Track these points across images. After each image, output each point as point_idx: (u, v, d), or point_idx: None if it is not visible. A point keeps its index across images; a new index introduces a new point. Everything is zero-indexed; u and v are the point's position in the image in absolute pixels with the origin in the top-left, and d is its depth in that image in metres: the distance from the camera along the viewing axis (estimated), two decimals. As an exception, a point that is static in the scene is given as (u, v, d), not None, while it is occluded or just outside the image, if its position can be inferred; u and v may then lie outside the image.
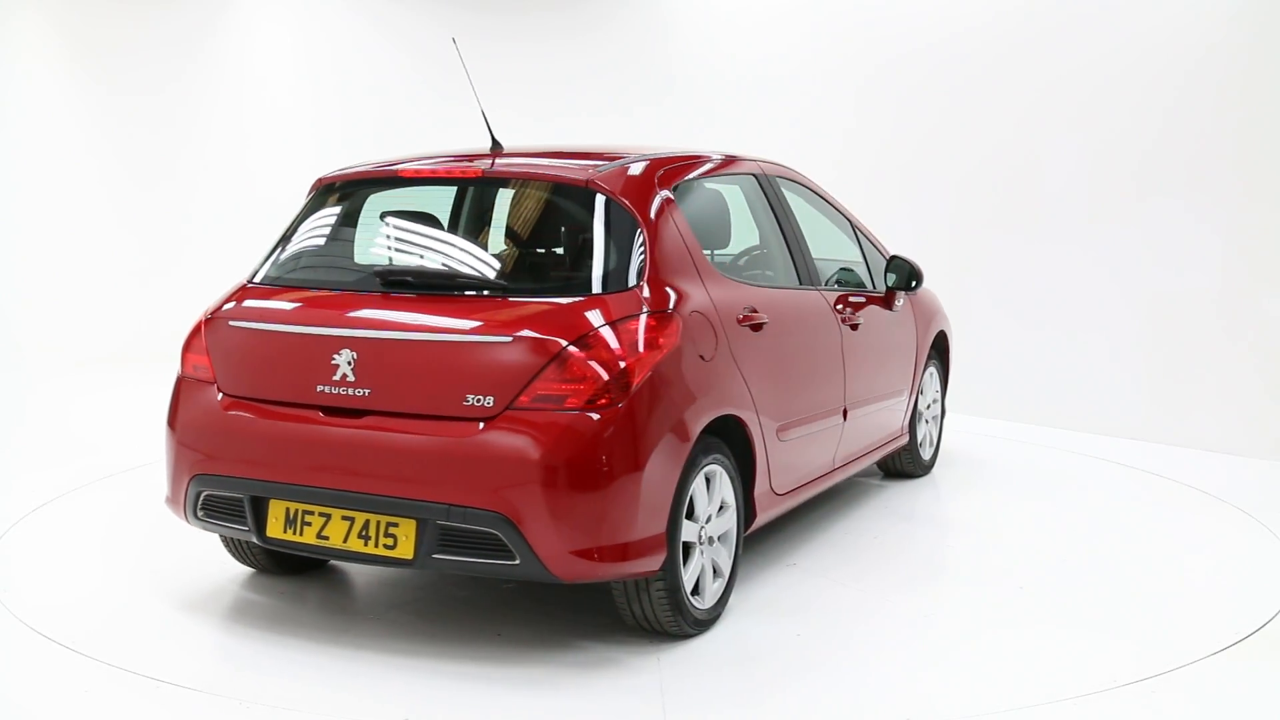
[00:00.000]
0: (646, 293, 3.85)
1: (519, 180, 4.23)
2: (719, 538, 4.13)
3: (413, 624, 4.14)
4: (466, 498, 3.59)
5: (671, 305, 3.90)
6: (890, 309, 5.60)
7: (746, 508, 4.33)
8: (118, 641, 4.02)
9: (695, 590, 4.01)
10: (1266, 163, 6.79)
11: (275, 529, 3.88)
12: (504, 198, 4.37)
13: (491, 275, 4.05)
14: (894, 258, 5.57)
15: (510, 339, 3.66)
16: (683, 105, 9.27)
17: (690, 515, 3.95)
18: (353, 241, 4.34)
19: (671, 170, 4.32)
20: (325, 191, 4.43)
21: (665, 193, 4.17)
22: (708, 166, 4.65)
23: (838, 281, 5.38)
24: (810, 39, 8.68)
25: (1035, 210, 7.73)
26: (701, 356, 3.96)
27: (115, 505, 5.53)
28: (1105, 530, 5.42)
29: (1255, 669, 3.88)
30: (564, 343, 3.63)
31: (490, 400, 3.62)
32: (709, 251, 4.40)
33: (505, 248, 4.25)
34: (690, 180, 4.44)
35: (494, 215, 4.26)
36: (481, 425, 3.62)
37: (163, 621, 4.21)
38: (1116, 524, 5.51)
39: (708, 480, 4.03)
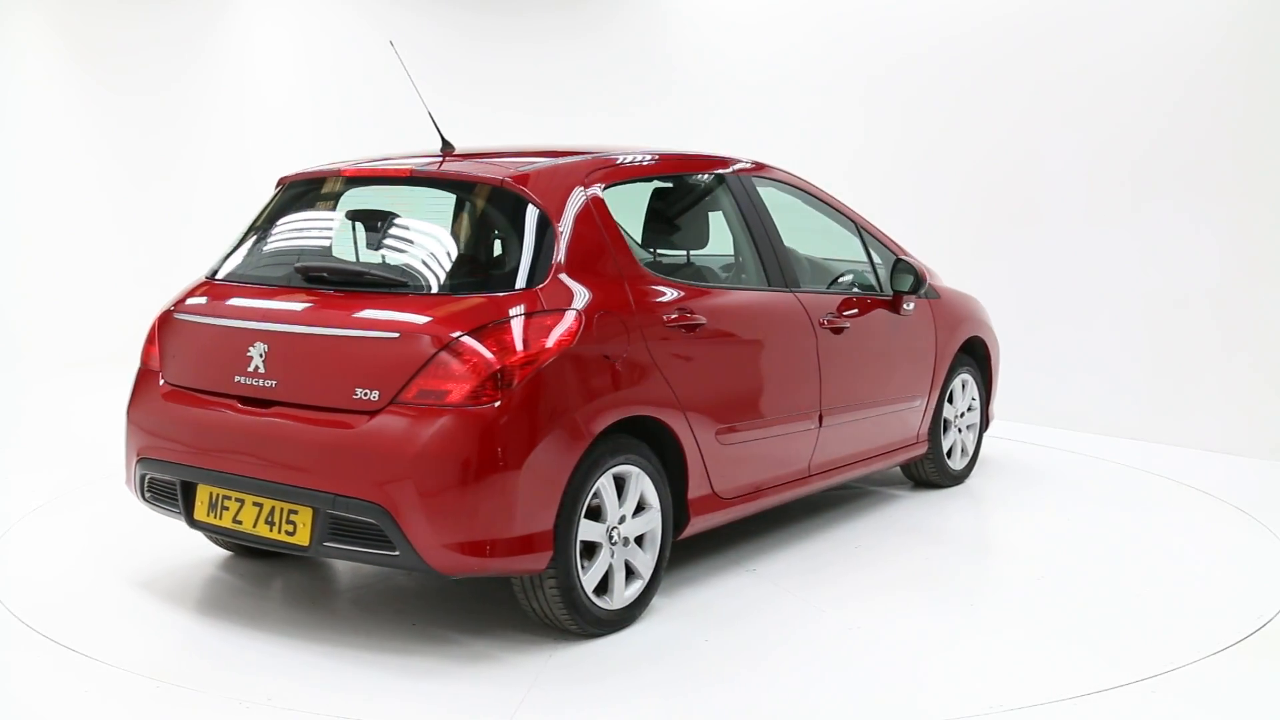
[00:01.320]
0: (548, 291, 3.90)
1: (441, 180, 4.34)
2: (637, 539, 4.13)
3: (350, 612, 4.20)
4: (350, 488, 3.71)
5: (575, 304, 3.92)
6: (897, 312, 5.45)
7: (680, 511, 4.32)
8: (117, 641, 4.02)
9: (602, 590, 4.02)
10: (1266, 163, 6.78)
11: (201, 512, 4.08)
12: (427, 197, 4.44)
13: (399, 273, 4.08)
14: (898, 260, 5.45)
15: (397, 335, 3.77)
16: (684, 106, 9.26)
17: (598, 515, 3.97)
18: (293, 238, 4.47)
19: (608, 171, 4.37)
20: (284, 190, 4.57)
21: (592, 192, 4.21)
22: (653, 166, 4.68)
23: (836, 284, 5.32)
24: (811, 40, 8.67)
25: (1034, 210, 7.72)
26: (606, 356, 3.96)
27: (115, 505, 5.52)
28: (1105, 530, 5.42)
29: (1255, 669, 3.88)
30: (447, 339, 3.71)
31: (376, 394, 3.73)
32: (673, 252, 4.47)
33: (419, 246, 4.27)
34: (631, 181, 4.51)
35: (417, 214, 4.33)
36: (367, 418, 3.73)
37: (162, 621, 4.21)
38: (1116, 524, 5.51)
39: (620, 480, 4.04)
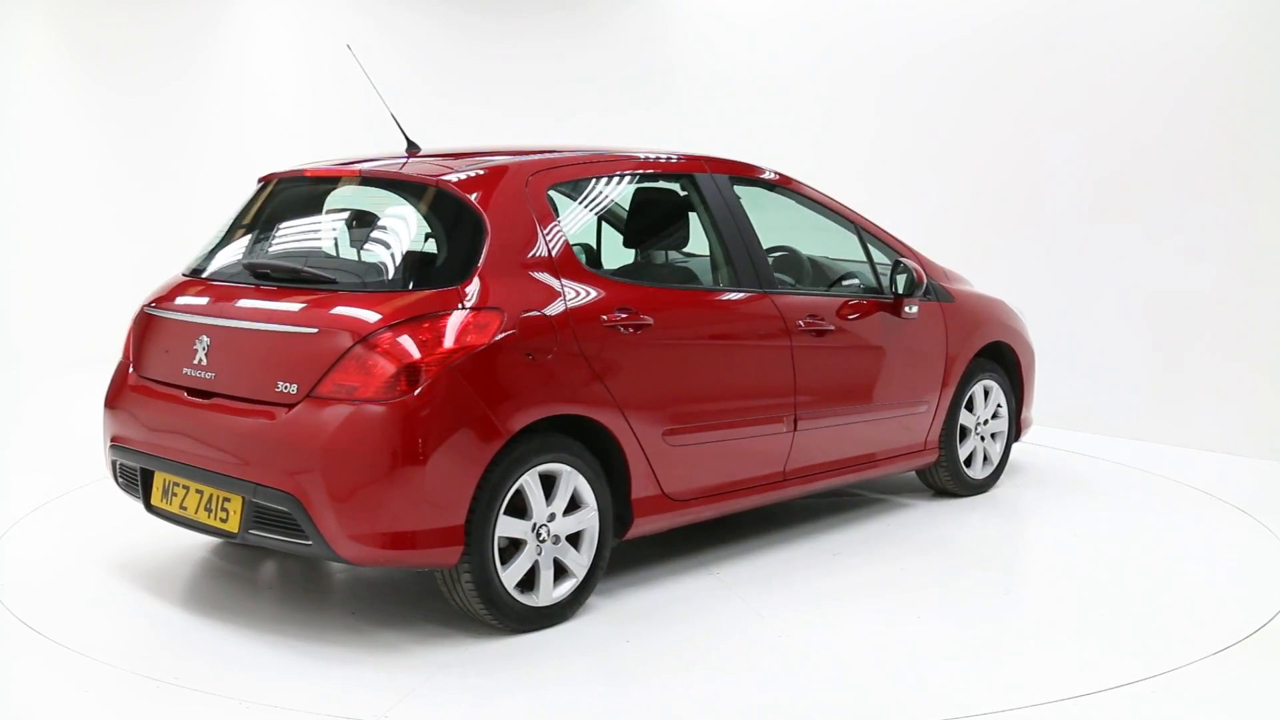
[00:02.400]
0: (470, 289, 3.94)
1: (385, 181, 4.43)
2: (569, 537, 4.14)
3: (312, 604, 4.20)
4: (268, 478, 3.84)
5: (497, 303, 3.96)
6: (898, 315, 5.33)
7: (625, 511, 4.32)
8: (118, 641, 4.02)
9: (528, 587, 4.04)
10: (1267, 163, 6.78)
11: (156, 498, 4.29)
12: (376, 198, 4.49)
13: (333, 270, 4.18)
14: (896, 262, 5.32)
15: (316, 330, 3.88)
16: (686, 107, 9.26)
17: (523, 512, 4.00)
18: (255, 236, 4.56)
19: (556, 171, 4.41)
20: (260, 188, 4.70)
21: (535, 193, 4.25)
22: (608, 165, 4.69)
23: (839, 285, 5.25)
24: (812, 40, 8.67)
25: (1034, 211, 7.73)
26: (529, 355, 3.98)
27: (115, 505, 5.52)
28: (1104, 530, 5.42)
29: (1255, 669, 3.88)
30: (361, 335, 3.81)
31: (295, 387, 3.86)
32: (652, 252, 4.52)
33: (357, 244, 4.34)
34: (583, 181, 4.54)
35: (362, 213, 4.41)
36: (286, 410, 3.85)
37: (162, 621, 4.21)
38: (1116, 524, 5.51)
39: (549, 479, 4.06)
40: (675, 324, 4.47)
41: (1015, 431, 6.11)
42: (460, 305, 3.91)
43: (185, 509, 4.14)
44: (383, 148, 5.04)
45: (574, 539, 4.17)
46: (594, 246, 5.13)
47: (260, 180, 4.74)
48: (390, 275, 4.08)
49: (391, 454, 3.72)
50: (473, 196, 4.12)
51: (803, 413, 4.91)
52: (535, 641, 4.02)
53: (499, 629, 4.04)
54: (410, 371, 3.76)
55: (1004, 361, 6.01)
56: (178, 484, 4.17)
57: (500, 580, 3.95)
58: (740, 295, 4.77)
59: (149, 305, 4.54)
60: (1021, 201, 7.78)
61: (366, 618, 4.22)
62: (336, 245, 4.37)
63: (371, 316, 3.84)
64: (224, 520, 3.99)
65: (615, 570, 4.65)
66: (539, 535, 4.04)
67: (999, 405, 5.96)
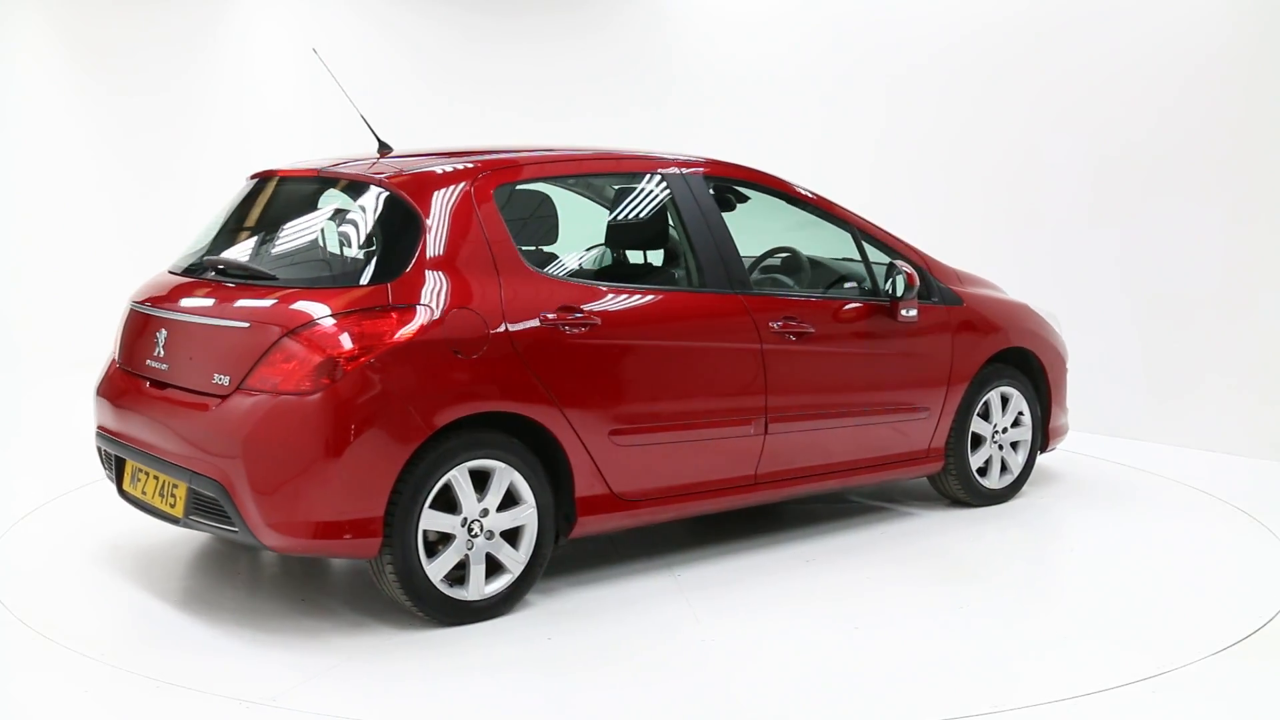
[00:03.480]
0: (399, 286, 4.03)
1: (335, 180, 4.52)
2: (509, 534, 4.18)
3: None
4: (202, 467, 4.00)
5: (426, 300, 4.03)
6: (895, 318, 5.19)
7: (570, 509, 4.35)
8: (118, 641, 4.03)
9: (457, 580, 4.10)
10: (1267, 163, 6.78)
11: (126, 483, 4.48)
12: (329, 196, 4.57)
13: (272, 266, 4.31)
14: (890, 264, 5.19)
15: (248, 325, 4.03)
16: (687, 107, 9.26)
17: (453, 507, 4.06)
18: (227, 232, 4.68)
19: (505, 171, 4.47)
20: (245, 186, 4.82)
21: (479, 192, 4.31)
22: (565, 165, 4.74)
23: (837, 287, 5.18)
24: (813, 41, 8.67)
25: (1035, 211, 7.72)
26: (456, 352, 4.03)
27: (114, 505, 5.51)
28: (1104, 530, 5.42)
29: (1255, 669, 3.88)
30: (287, 330, 3.93)
31: (228, 379, 4.01)
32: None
33: (298, 241, 4.45)
34: (534, 181, 4.60)
35: (314, 212, 4.51)
36: (219, 402, 4.00)
37: (162, 621, 4.21)
38: (1116, 524, 5.51)
39: (482, 475, 4.11)
40: (624, 324, 4.45)
41: (1043, 441, 5.88)
42: (387, 302, 4.00)
43: (145, 494, 4.32)
44: (374, 148, 5.05)
45: (514, 535, 4.21)
46: (549, 247, 5.07)
47: (249, 177, 4.87)
48: (327, 272, 4.23)
49: (308, 446, 3.84)
50: (412, 196, 4.21)
51: (776, 416, 4.84)
52: (457, 634, 4.07)
53: (428, 621, 4.10)
54: (329, 365, 3.86)
55: (1029, 368, 5.80)
56: (140, 470, 4.35)
57: (425, 573, 4.01)
58: (703, 295, 4.73)
59: (133, 299, 4.69)
60: (1022, 202, 7.78)
61: (369, 611, 4.23)
62: (287, 242, 4.49)
63: (298, 312, 3.98)
64: (172, 506, 4.16)
65: (572, 568, 4.68)
66: (470, 530, 4.10)
67: (1021, 413, 5.73)
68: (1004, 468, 5.74)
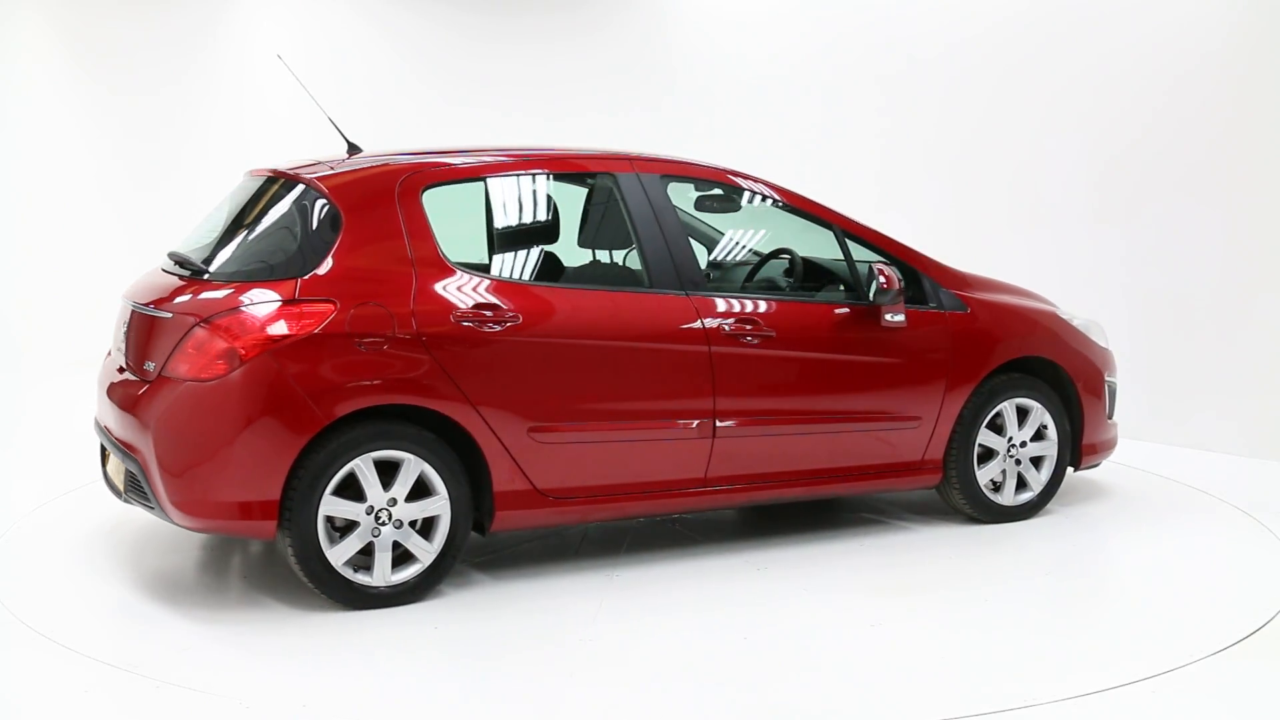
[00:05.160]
0: (308, 282, 4.23)
1: (282, 179, 4.68)
2: (412, 523, 4.30)
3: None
4: (130, 448, 4.29)
5: (333, 295, 4.21)
6: (878, 322, 5.02)
7: (489, 503, 4.43)
8: (118, 641, 4.03)
9: (363, 567, 4.26)
10: (1268, 164, 6.78)
11: (106, 467, 4.77)
12: (276, 194, 4.67)
13: (205, 260, 4.50)
14: (870, 267, 4.99)
15: (171, 315, 4.29)
16: (687, 107, 9.26)
17: (360, 495, 4.21)
18: (198, 228, 4.90)
19: (435, 171, 4.56)
20: (233, 185, 5.01)
21: (405, 192, 4.44)
22: (501, 165, 4.76)
23: (826, 288, 5.08)
24: (813, 40, 8.67)
25: (1035, 211, 7.72)
26: (360, 346, 4.18)
27: (115, 505, 5.52)
28: (1104, 530, 5.42)
29: (1255, 669, 3.88)
30: (197, 320, 4.18)
31: (153, 366, 4.29)
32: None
33: (234, 237, 4.58)
34: (466, 181, 4.66)
35: (255, 209, 4.66)
36: (145, 387, 4.28)
37: (162, 621, 4.21)
38: (1116, 523, 5.51)
39: (388, 466, 4.24)
40: (548, 323, 4.48)
41: (1075, 458, 5.58)
42: (293, 295, 4.19)
43: (111, 474, 4.66)
44: (378, 147, 5.05)
45: (428, 526, 4.33)
46: (484, 246, 5.02)
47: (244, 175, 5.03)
48: (249, 266, 4.37)
49: (208, 430, 4.10)
50: (334, 195, 4.41)
51: (724, 418, 4.77)
52: (351, 618, 4.18)
53: (333, 604, 4.25)
54: (228, 355, 4.09)
55: (1058, 380, 5.53)
56: (107, 452, 4.67)
57: (324, 557, 4.17)
58: (642, 295, 4.70)
59: (122, 293, 4.90)
60: (1022, 202, 7.78)
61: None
62: (228, 238, 4.60)
63: (210, 302, 4.23)
64: (120, 484, 4.51)
65: (516, 563, 4.75)
66: (377, 519, 4.23)
67: (1044, 426, 5.43)
68: (1022, 484, 5.44)
